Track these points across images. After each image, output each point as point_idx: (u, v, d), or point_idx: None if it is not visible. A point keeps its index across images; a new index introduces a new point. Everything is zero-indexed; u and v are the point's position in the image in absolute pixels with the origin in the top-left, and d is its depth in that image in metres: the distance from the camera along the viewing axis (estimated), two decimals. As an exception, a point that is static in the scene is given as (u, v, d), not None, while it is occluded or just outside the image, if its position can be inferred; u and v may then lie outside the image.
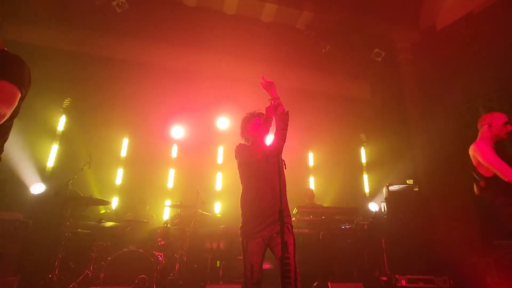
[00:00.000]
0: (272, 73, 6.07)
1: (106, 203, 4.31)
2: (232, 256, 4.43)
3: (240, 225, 2.37)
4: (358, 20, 5.99)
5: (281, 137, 2.30)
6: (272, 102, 2.36)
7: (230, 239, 4.58)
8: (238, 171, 2.48)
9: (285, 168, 2.40)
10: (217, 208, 5.97)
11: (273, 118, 2.38)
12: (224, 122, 6.12)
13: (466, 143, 2.92)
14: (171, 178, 5.93)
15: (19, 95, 1.68)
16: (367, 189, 6.86)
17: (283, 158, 2.30)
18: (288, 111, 2.35)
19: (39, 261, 4.06)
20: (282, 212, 1.98)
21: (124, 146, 5.82)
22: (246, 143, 2.55)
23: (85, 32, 5.38)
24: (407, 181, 4.94)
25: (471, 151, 2.78)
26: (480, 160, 2.66)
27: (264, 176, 2.32)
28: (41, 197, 4.78)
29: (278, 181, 2.12)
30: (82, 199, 4.13)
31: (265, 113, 2.40)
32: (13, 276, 3.58)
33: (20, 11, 4.97)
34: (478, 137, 2.85)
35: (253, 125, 2.51)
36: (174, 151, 6.08)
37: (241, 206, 2.39)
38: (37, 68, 2.90)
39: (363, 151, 7.06)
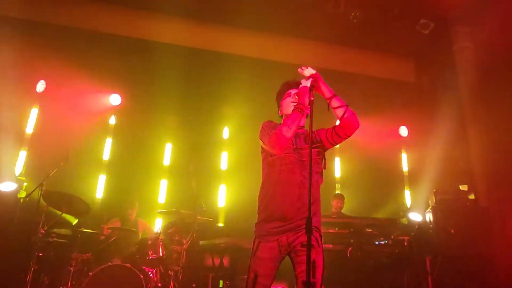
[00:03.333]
0: (285, 49, 6.51)
1: (87, 207, 4.29)
2: (238, 274, 4.42)
3: (256, 221, 2.36)
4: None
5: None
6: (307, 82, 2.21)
7: (236, 254, 4.56)
8: (261, 156, 2.43)
9: (324, 168, 2.36)
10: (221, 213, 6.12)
11: (309, 106, 2.21)
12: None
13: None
14: (163, 184, 6.14)
15: None
16: (408, 195, 6.81)
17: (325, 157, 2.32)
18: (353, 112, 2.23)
19: (7, 276, 4.11)
20: (310, 221, 1.90)
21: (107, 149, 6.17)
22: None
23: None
24: (460, 187, 4.91)
25: None
26: None
27: (291, 169, 2.25)
28: (9, 198, 4.81)
29: (308, 178, 2.02)
30: (60, 201, 4.13)
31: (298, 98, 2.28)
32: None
33: None
34: None
35: (286, 100, 2.44)
36: (167, 159, 6.28)
37: (258, 200, 2.37)
38: None
39: (403, 148, 7.03)
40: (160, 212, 5.24)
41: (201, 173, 5.72)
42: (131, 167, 6.08)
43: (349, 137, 2.34)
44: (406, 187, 7.00)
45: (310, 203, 1.94)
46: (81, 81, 5.80)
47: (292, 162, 2.26)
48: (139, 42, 6.32)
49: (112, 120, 6.46)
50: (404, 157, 7.22)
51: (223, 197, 6.40)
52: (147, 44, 6.33)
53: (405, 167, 7.15)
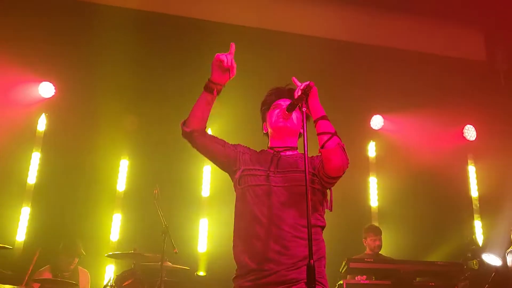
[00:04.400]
0: (292, 16, 6.70)
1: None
2: None
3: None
4: None
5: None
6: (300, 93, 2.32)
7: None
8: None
9: (329, 210, 2.43)
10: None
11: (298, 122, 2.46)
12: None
13: None
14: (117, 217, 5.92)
15: None
16: (478, 227, 6.66)
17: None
18: (342, 145, 2.33)
19: None
20: (312, 271, 1.91)
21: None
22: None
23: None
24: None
25: None
26: None
27: (262, 202, 2.34)
28: None
29: (289, 219, 2.24)
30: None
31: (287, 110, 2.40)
32: None
33: None
34: None
35: (272, 114, 2.58)
36: (122, 181, 6.08)
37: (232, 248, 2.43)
38: None
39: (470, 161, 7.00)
40: (112, 256, 5.13)
41: (172, 201, 5.63)
42: (68, 194, 5.72)
43: (330, 180, 2.36)
44: (476, 215, 6.83)
45: (311, 237, 1.94)
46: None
47: (264, 192, 2.35)
48: (76, 3, 6.10)
49: (41, 126, 5.97)
50: (471, 171, 7.01)
51: (204, 235, 6.08)
52: (89, 7, 6.06)
53: (473, 186, 6.99)
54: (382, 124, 6.80)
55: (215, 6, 6.59)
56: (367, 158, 6.91)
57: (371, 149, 6.91)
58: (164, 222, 4.69)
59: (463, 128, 7.02)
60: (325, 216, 2.43)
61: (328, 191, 2.43)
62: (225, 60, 2.28)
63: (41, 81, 6.04)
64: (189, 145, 2.47)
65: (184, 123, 2.46)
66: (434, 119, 6.60)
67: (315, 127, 2.37)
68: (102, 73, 5.95)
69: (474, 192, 6.97)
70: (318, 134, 2.34)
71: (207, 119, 2.47)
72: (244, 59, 6.14)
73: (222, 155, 2.47)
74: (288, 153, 2.49)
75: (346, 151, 2.28)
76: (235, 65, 2.34)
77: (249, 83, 5.45)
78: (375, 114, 6.81)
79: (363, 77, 6.67)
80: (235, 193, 2.48)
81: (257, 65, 5.99)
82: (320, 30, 6.72)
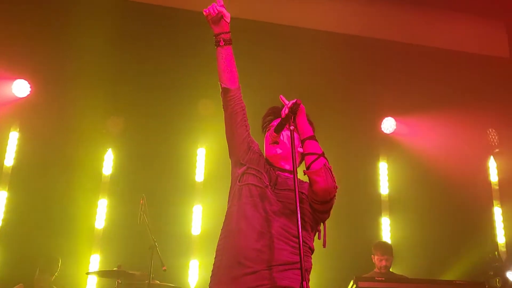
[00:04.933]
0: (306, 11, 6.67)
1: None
2: None
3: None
4: None
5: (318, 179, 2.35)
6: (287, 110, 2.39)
7: None
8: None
9: (323, 246, 2.39)
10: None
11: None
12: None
13: None
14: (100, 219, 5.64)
15: None
16: (502, 241, 6.47)
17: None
18: (328, 167, 2.36)
19: None
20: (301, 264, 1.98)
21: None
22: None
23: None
24: None
25: None
26: None
27: (262, 211, 2.38)
28: None
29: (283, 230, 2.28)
30: None
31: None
32: None
33: None
34: None
35: (267, 137, 2.65)
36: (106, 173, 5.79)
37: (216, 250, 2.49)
38: None
39: (493, 166, 6.84)
40: (94, 273, 5.14)
41: (161, 212, 5.50)
42: (46, 199, 5.51)
43: (320, 207, 2.38)
44: (498, 228, 6.59)
45: (300, 232, 2.04)
46: None
47: (259, 194, 2.43)
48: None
49: (13, 137, 5.81)
50: (493, 176, 6.83)
51: (198, 223, 5.82)
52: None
53: (496, 196, 6.80)
54: (395, 127, 6.57)
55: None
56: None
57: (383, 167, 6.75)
58: (152, 236, 4.62)
59: (484, 131, 6.90)
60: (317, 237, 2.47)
61: (322, 225, 2.46)
62: (210, 11, 2.45)
63: (13, 78, 5.85)
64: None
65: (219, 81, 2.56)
66: (449, 122, 6.49)
67: (301, 147, 2.47)
68: (82, 68, 5.87)
69: (495, 199, 6.83)
70: (304, 155, 2.42)
71: (234, 72, 2.56)
72: (253, 53, 6.10)
73: (241, 135, 2.57)
74: (284, 174, 2.56)
75: (333, 173, 2.33)
76: (222, 10, 2.50)
77: (260, 79, 5.63)
78: (387, 117, 6.55)
79: (376, 74, 6.62)
80: (232, 190, 2.56)
81: (266, 59, 6.08)
82: (331, 24, 6.69)
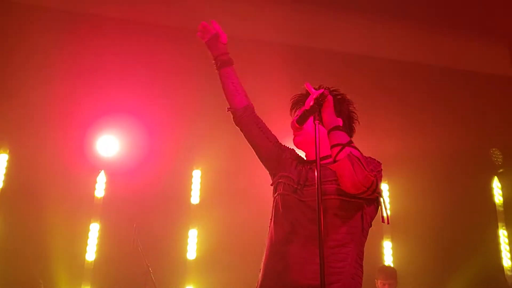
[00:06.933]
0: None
1: None
2: None
3: None
4: None
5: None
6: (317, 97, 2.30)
7: None
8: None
9: (387, 223, 2.30)
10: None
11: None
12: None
13: None
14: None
15: None
16: (506, 263, 6.51)
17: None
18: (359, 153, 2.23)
19: None
20: None
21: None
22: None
23: None
24: None
25: None
26: None
27: (295, 222, 2.31)
28: None
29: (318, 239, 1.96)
30: None
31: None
32: None
33: None
34: None
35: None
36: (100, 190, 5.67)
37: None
38: None
39: (496, 185, 6.89)
40: None
41: (155, 236, 5.46)
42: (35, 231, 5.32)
43: (356, 200, 2.26)
44: (503, 251, 6.64)
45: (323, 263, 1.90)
46: None
47: (289, 203, 2.36)
48: None
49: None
50: (497, 197, 6.88)
51: (193, 247, 5.69)
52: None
53: (500, 218, 6.86)
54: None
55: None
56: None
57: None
58: (146, 262, 4.70)
59: (487, 151, 7.08)
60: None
61: (375, 202, 2.34)
62: (203, 33, 2.52)
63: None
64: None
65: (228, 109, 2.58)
66: (452, 141, 6.57)
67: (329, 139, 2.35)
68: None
69: (500, 222, 6.94)
70: (331, 147, 2.29)
71: (241, 92, 2.54)
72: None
73: (265, 147, 2.54)
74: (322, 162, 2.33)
75: (364, 162, 2.14)
76: (214, 31, 2.54)
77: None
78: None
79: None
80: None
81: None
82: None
